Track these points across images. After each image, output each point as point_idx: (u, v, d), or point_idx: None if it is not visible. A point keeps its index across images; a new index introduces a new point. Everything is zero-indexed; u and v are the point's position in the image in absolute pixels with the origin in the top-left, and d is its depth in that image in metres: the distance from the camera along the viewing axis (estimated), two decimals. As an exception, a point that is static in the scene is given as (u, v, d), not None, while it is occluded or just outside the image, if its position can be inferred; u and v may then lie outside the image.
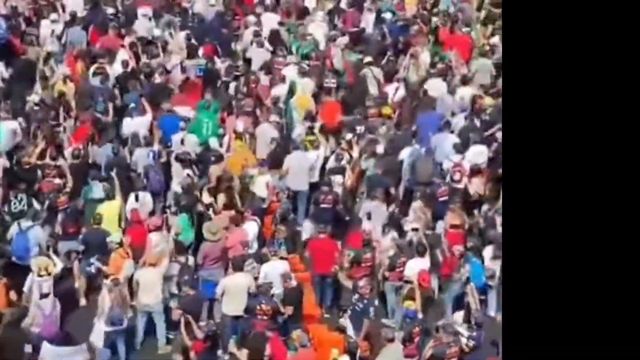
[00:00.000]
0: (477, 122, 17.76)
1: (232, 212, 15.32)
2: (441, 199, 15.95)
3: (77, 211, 15.66)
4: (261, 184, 16.11)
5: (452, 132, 17.45)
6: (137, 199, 15.65)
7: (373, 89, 19.06)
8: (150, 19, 21.36)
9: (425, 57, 19.97)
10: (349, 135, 17.30)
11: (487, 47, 20.25)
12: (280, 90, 18.71)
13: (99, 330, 13.59)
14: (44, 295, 13.50)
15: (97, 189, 15.79)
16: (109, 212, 15.28)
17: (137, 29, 20.74)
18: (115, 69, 19.03)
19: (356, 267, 14.64)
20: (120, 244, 14.43)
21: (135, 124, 17.42)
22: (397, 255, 14.62)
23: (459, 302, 14.53)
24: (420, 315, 13.59)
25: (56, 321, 13.64)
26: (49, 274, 13.60)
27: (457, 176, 16.33)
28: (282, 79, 18.91)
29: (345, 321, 13.55)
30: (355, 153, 16.84)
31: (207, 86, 18.88)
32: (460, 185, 16.28)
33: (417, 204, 15.75)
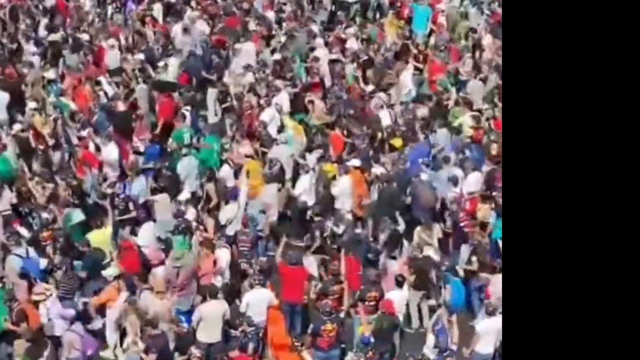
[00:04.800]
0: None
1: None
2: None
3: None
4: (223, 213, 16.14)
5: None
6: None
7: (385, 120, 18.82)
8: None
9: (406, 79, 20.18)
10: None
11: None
12: (269, 115, 18.61)
13: None
14: None
15: (76, 216, 15.64)
16: (97, 240, 15.00)
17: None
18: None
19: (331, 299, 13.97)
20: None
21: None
22: (368, 288, 14.18)
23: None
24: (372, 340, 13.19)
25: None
26: None
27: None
28: (269, 104, 18.87)
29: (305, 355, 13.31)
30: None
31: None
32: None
33: (419, 228, 15.66)
